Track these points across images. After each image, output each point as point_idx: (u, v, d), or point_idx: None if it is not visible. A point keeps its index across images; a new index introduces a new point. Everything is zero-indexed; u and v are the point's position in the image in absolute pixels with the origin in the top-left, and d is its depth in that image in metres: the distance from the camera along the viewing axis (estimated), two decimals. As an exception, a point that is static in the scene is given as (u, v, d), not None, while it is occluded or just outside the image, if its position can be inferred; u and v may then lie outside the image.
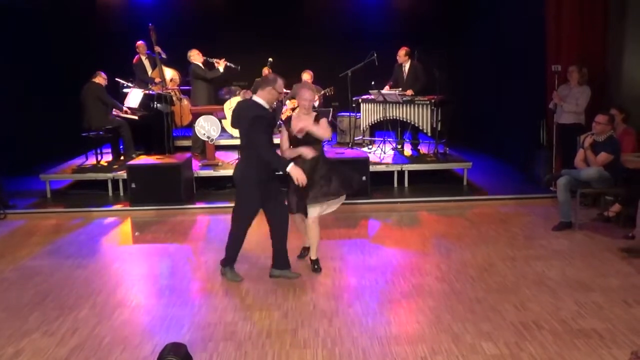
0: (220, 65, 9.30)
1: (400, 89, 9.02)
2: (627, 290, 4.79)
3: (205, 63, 9.31)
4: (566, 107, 7.42)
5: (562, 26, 7.85)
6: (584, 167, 6.37)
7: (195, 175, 8.23)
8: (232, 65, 9.37)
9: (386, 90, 9.06)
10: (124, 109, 9.15)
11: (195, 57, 9.31)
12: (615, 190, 6.47)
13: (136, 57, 10.05)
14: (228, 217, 7.19)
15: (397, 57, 9.19)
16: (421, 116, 8.81)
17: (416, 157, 9.00)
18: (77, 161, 9.15)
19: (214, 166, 8.47)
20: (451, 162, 8.67)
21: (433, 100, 8.67)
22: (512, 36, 9.27)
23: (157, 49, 9.55)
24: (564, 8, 7.80)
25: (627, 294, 4.71)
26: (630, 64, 7.50)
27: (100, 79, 8.95)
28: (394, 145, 9.54)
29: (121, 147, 9.32)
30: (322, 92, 9.42)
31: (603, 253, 5.67)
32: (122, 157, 9.12)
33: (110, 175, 8.24)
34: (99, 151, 9.04)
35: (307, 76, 9.61)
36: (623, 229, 6.22)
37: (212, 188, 8.39)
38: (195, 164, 8.53)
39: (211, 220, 7.24)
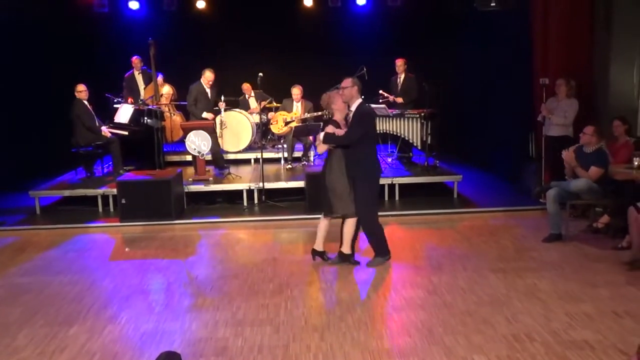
0: (207, 115, 9.05)
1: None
2: (617, 301, 4.82)
3: (213, 86, 9.07)
4: (554, 119, 7.49)
5: (548, 40, 7.94)
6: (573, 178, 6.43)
7: (186, 190, 8.22)
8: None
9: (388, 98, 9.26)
10: (104, 131, 9.00)
11: (204, 77, 9.00)
12: (604, 202, 6.52)
13: (129, 72, 10.07)
14: (219, 232, 7.29)
15: (396, 68, 9.38)
16: (411, 129, 8.88)
17: (407, 170, 9.04)
18: (67, 177, 9.11)
19: (205, 181, 8.46)
20: (441, 175, 8.71)
21: (423, 114, 8.74)
22: (500, 50, 9.36)
23: (160, 81, 9.55)
24: (550, 22, 7.89)
25: (617, 305, 4.74)
26: (616, 77, 7.58)
27: (79, 93, 8.78)
28: (395, 156, 9.63)
29: (109, 163, 9.29)
30: (319, 113, 9.45)
31: (593, 264, 5.70)
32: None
33: (100, 191, 8.21)
34: (88, 167, 9.01)
35: (297, 91, 9.64)
36: (612, 240, 6.27)
37: (202, 203, 8.38)
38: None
39: (202, 236, 7.22)
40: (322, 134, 5.57)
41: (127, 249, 6.82)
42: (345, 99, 5.65)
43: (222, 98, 9.54)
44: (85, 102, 8.86)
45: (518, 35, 8.66)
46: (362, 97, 9.08)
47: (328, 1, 10.81)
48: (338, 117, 5.66)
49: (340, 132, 5.51)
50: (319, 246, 5.88)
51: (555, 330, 4.32)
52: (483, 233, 6.83)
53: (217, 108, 9.41)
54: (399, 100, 9.34)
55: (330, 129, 5.55)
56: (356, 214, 5.65)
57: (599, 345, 4.07)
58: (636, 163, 6.19)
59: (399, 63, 9.46)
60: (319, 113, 9.38)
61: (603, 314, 4.57)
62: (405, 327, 4.45)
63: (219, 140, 9.34)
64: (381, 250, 5.86)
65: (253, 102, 10.53)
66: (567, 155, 6.44)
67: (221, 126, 9.44)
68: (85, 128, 8.78)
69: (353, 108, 5.64)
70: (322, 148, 5.63)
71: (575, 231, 6.70)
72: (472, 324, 4.47)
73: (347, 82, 5.66)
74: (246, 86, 10.57)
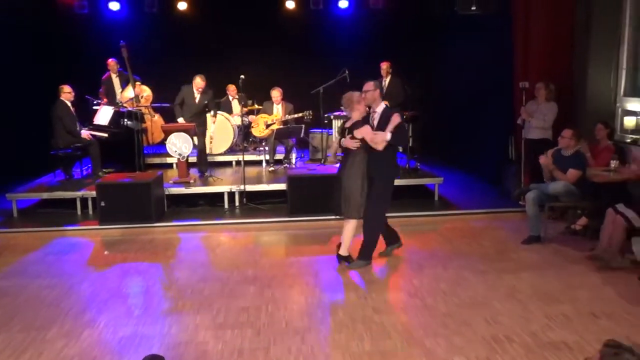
0: (181, 121, 8.95)
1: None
2: (595, 302, 4.87)
3: (203, 92, 8.90)
4: (534, 122, 7.57)
5: (529, 44, 8.02)
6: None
7: (167, 192, 8.16)
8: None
9: None
10: (84, 134, 8.87)
11: (194, 82, 8.90)
12: (582, 204, 6.60)
13: (106, 74, 9.99)
14: (199, 235, 7.26)
15: (382, 71, 9.39)
16: (393, 132, 8.88)
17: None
18: (45, 180, 8.99)
19: (186, 183, 8.40)
20: (423, 178, 8.73)
21: (405, 116, 8.75)
22: (481, 53, 9.44)
23: (138, 87, 9.66)
24: (531, 26, 7.97)
25: (595, 306, 4.79)
26: (594, 81, 7.68)
27: (65, 94, 8.68)
28: None
29: (88, 165, 9.18)
30: (301, 114, 9.44)
31: (571, 266, 5.77)
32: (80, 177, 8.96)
33: (79, 193, 8.11)
34: (67, 169, 8.90)
35: (276, 93, 9.62)
36: (590, 241, 6.33)
37: (183, 206, 8.32)
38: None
39: (182, 239, 7.16)
40: (388, 134, 5.52)
41: (106, 252, 6.74)
42: (368, 102, 5.77)
43: (212, 112, 9.47)
44: (69, 104, 8.75)
45: (499, 39, 8.74)
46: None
47: (310, 4, 10.82)
48: (357, 117, 5.73)
49: (392, 124, 5.58)
50: (344, 251, 5.86)
51: (534, 332, 4.35)
52: (465, 235, 6.87)
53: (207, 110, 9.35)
54: (385, 103, 9.29)
55: (367, 128, 5.60)
56: (364, 213, 5.70)
57: (577, 346, 4.11)
58: (613, 165, 6.28)
59: (384, 66, 9.47)
60: (300, 114, 9.40)
61: (581, 315, 4.62)
62: (386, 330, 4.45)
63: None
64: (367, 254, 5.86)
65: (236, 104, 10.49)
66: (544, 160, 6.53)
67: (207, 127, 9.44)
68: (65, 131, 8.66)
69: (379, 110, 5.74)
70: (354, 144, 5.62)
71: (554, 233, 6.77)
72: (453, 325, 4.49)
73: (370, 85, 5.76)
74: (231, 87, 10.51)
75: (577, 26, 7.83)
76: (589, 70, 7.69)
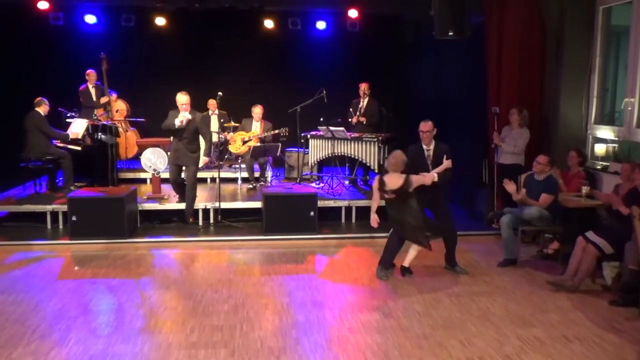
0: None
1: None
2: (567, 326, 4.94)
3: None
4: (505, 148, 7.70)
5: (502, 70, 8.16)
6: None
7: (140, 208, 8.04)
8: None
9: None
10: (71, 135, 8.77)
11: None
12: (554, 228, 6.71)
13: (84, 85, 9.87)
14: (173, 252, 7.16)
15: (360, 92, 9.51)
16: (368, 153, 8.97)
17: (363, 193, 9.10)
18: (14, 192, 8.79)
19: (160, 199, 8.31)
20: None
21: (380, 138, 8.85)
22: (456, 77, 9.59)
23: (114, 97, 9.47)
24: (504, 53, 8.12)
25: (567, 329, 4.85)
26: (565, 109, 7.84)
27: (44, 107, 8.60)
28: (347, 179, 9.68)
29: (60, 178, 9.01)
30: (277, 131, 9.43)
31: (543, 289, 5.84)
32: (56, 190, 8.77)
33: (49, 207, 7.95)
34: (37, 182, 8.73)
35: (258, 110, 9.59)
36: (562, 265, 6.43)
37: (156, 222, 8.21)
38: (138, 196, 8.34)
39: (155, 255, 7.06)
40: (435, 175, 6.08)
41: (76, 268, 6.58)
42: (426, 142, 6.47)
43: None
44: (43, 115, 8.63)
45: (474, 64, 8.88)
46: (322, 119, 9.27)
47: (289, 24, 10.88)
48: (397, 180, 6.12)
49: (443, 167, 6.20)
50: (406, 262, 6.31)
51: (508, 354, 4.38)
52: (438, 257, 6.89)
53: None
54: (362, 119, 9.42)
55: (420, 178, 6.05)
56: (450, 229, 6.39)
57: (550, 369, 4.15)
58: (584, 192, 6.41)
59: (363, 87, 9.49)
60: (276, 131, 9.39)
61: (553, 338, 4.68)
62: (361, 350, 4.44)
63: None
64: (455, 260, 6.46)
65: (215, 121, 10.40)
66: (510, 187, 6.64)
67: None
68: (45, 136, 8.50)
69: (432, 147, 6.41)
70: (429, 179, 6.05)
71: (526, 257, 6.86)
72: (428, 347, 4.49)
73: (429, 126, 6.48)
74: (212, 102, 10.41)
75: (548, 55, 8.01)
76: (561, 98, 7.86)
